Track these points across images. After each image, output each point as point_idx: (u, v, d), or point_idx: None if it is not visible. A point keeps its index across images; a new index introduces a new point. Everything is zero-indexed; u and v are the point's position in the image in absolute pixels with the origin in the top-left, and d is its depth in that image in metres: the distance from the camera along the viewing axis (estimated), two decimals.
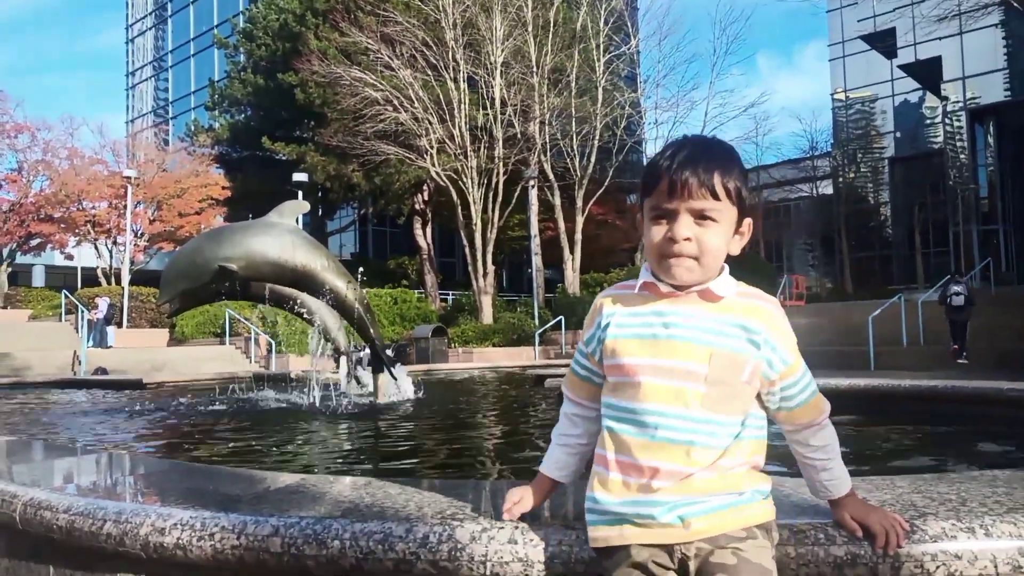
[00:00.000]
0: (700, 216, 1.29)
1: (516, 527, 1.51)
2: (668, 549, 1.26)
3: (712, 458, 1.28)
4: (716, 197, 1.29)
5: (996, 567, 1.38)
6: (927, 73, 36.75)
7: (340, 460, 4.44)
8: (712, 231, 1.29)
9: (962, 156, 36.53)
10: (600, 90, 29.48)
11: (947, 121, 37.24)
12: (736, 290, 1.33)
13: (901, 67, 39.00)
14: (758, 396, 1.35)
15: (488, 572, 1.48)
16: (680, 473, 1.27)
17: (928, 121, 42.18)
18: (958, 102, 36.13)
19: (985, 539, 1.40)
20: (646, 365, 1.30)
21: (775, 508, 1.35)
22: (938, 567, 1.39)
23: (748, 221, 1.35)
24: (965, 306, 14.32)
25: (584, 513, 1.38)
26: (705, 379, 1.27)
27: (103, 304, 22.92)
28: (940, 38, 34.18)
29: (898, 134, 43.10)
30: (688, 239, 1.28)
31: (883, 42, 39.85)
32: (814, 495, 1.49)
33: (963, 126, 36.22)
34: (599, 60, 29.54)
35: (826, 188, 45.33)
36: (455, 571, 1.49)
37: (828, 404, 1.43)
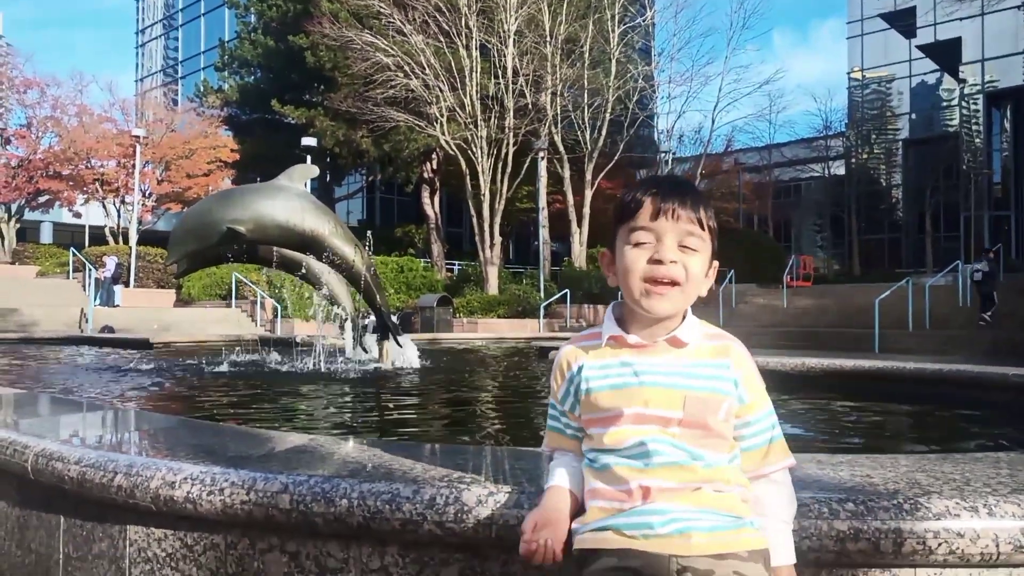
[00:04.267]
0: (683, 243, 1.29)
1: (522, 491, 1.53)
2: (664, 561, 1.20)
3: (708, 475, 1.25)
4: (701, 225, 1.29)
5: (998, 546, 1.40)
6: (946, 54, 36.26)
7: (345, 424, 4.48)
8: (694, 259, 1.29)
9: (977, 140, 36.17)
10: (614, 62, 29.16)
11: (964, 104, 36.83)
12: (702, 331, 1.33)
13: (920, 47, 38.49)
14: None
15: (493, 535, 1.49)
16: (677, 488, 1.24)
17: (944, 103, 41.72)
18: (976, 85, 35.70)
19: (988, 518, 1.41)
20: (624, 414, 1.28)
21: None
22: (940, 544, 1.40)
23: (715, 264, 1.35)
24: (985, 280, 16.38)
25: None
26: (679, 423, 1.26)
27: (111, 263, 22.99)
28: (960, 19, 33.69)
29: (913, 116, 42.67)
30: (675, 262, 1.28)
31: (903, 21, 39.27)
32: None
33: (980, 110, 35.84)
34: (614, 31, 29.17)
35: (838, 168, 45.00)
36: (461, 533, 1.51)
37: (789, 460, 1.36)
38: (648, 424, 1.27)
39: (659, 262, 1.27)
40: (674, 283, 1.28)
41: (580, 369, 1.35)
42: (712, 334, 1.34)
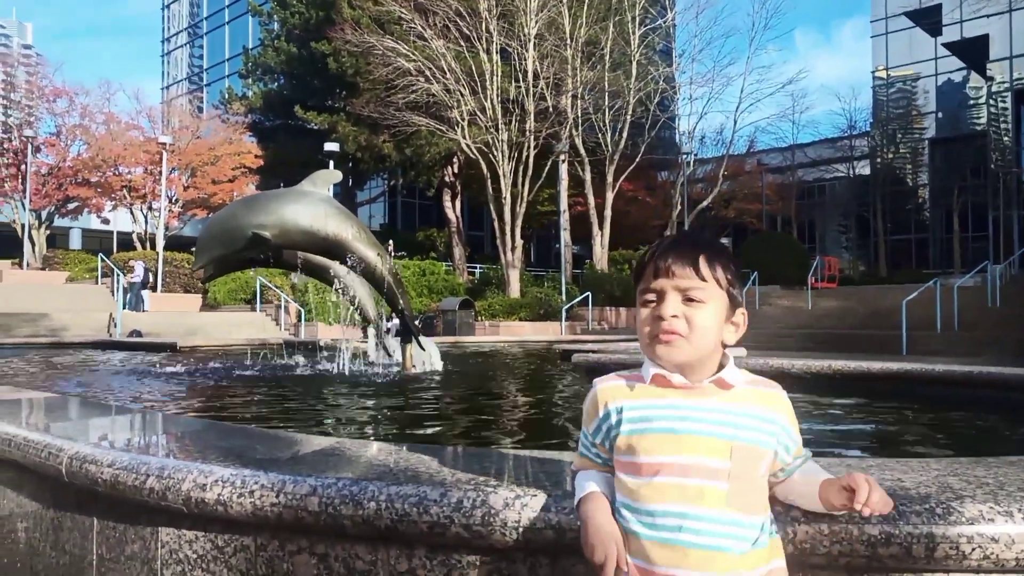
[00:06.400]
0: (687, 296, 1.31)
1: (549, 495, 1.53)
2: None
3: (744, 562, 1.23)
4: (701, 277, 1.30)
5: None
6: (973, 52, 35.77)
7: (370, 426, 4.51)
8: (700, 310, 1.30)
9: (1006, 139, 35.61)
10: (634, 64, 29.10)
11: (991, 102, 36.26)
12: (744, 379, 1.33)
13: (946, 45, 38.00)
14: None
15: (521, 538, 1.50)
16: None
17: (972, 102, 41.12)
18: (1004, 83, 35.15)
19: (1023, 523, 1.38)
20: (665, 464, 1.26)
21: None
22: (974, 549, 1.38)
23: (742, 312, 1.36)
24: None
25: None
26: (728, 475, 1.24)
27: (139, 268, 23.32)
28: (988, 16, 33.22)
29: (940, 115, 42.10)
30: (676, 316, 1.30)
31: (928, 19, 38.80)
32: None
33: (1008, 107, 35.28)
34: (634, 33, 29.12)
35: (863, 168, 44.47)
36: (488, 536, 1.51)
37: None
38: (692, 478, 1.24)
39: (661, 318, 1.31)
40: (680, 334, 1.30)
41: (620, 410, 1.33)
42: (753, 380, 1.34)
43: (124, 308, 20.38)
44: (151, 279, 24.49)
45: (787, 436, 1.31)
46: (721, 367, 1.33)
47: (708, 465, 1.24)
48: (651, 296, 1.33)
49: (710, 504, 1.23)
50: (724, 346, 1.35)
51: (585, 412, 1.40)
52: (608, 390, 1.37)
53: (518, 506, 1.51)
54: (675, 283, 1.31)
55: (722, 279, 1.32)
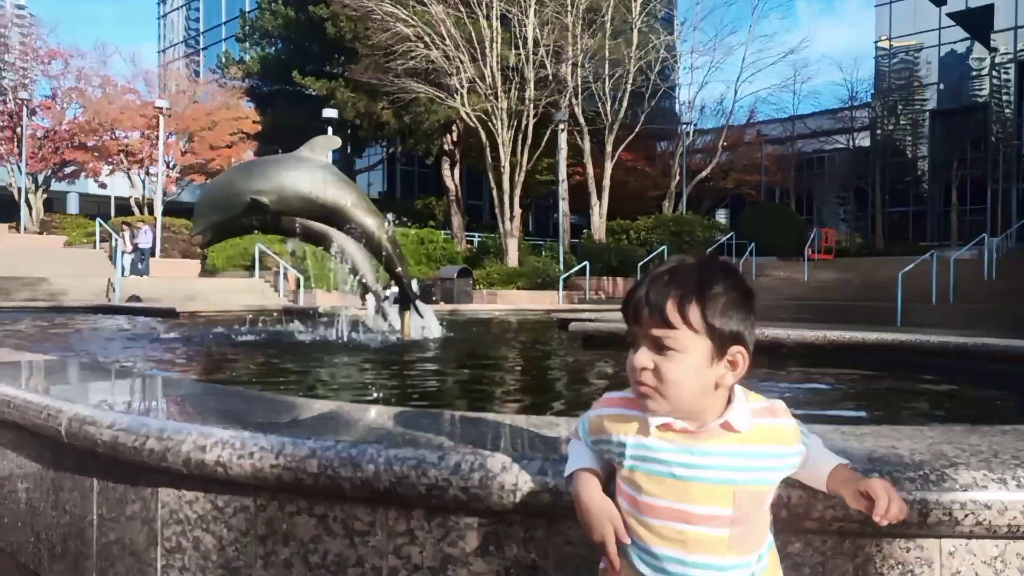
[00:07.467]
0: (658, 344, 1.19)
1: (546, 459, 1.54)
2: None
3: None
4: (669, 326, 1.18)
5: None
6: (977, 22, 35.38)
7: (369, 392, 4.53)
8: (672, 362, 1.18)
9: (1007, 111, 35.39)
10: (635, 32, 28.75)
11: (994, 73, 35.96)
12: (751, 415, 1.23)
13: (950, 15, 37.58)
14: None
15: (518, 501, 1.51)
16: None
17: (974, 73, 40.76)
18: (1007, 54, 34.84)
19: (1017, 490, 1.40)
20: (663, 508, 1.21)
21: None
22: (967, 515, 1.40)
23: (739, 350, 1.20)
24: None
25: None
26: (731, 521, 1.20)
27: (149, 233, 23.28)
28: None
29: (941, 86, 41.73)
30: (645, 368, 1.20)
31: None
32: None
33: (1011, 79, 35.02)
34: (635, 0, 28.73)
35: (863, 140, 44.18)
36: (486, 498, 1.53)
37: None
38: (693, 525, 1.20)
39: (633, 368, 1.22)
40: (651, 387, 1.21)
41: (623, 444, 1.26)
42: (761, 410, 1.25)
43: (130, 273, 20.35)
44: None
45: (797, 459, 1.27)
46: (730, 401, 1.23)
47: (711, 513, 1.20)
48: (630, 339, 1.25)
49: (711, 552, 1.20)
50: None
51: (589, 422, 1.35)
52: (613, 421, 1.29)
53: (515, 470, 1.52)
54: (644, 331, 1.20)
55: (697, 321, 1.17)
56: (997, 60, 35.31)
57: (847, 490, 1.29)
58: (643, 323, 1.20)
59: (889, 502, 1.23)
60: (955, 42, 40.64)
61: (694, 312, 1.17)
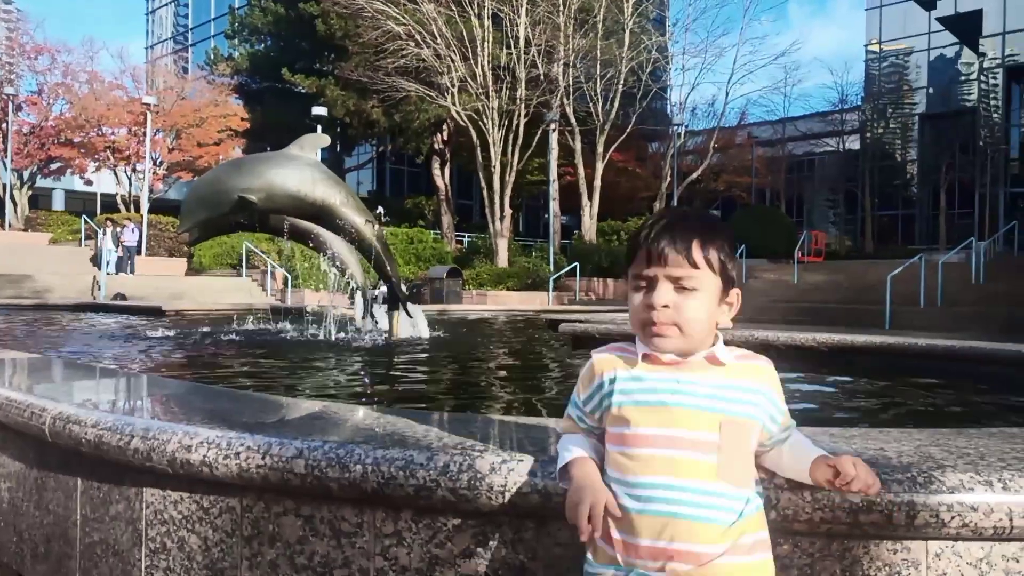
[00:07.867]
0: (678, 284, 1.27)
1: (536, 460, 1.54)
2: None
3: (730, 532, 1.23)
4: (694, 265, 1.27)
5: (1011, 520, 1.39)
6: (966, 27, 35.65)
7: (356, 392, 4.51)
8: (692, 300, 1.27)
9: (995, 115, 35.67)
10: (627, 32, 28.81)
11: (983, 78, 36.25)
12: (733, 355, 1.32)
13: (939, 19, 37.85)
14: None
15: (507, 502, 1.50)
16: (694, 555, 1.22)
17: (963, 77, 41.05)
18: (996, 59, 35.12)
19: (1003, 493, 1.40)
20: (655, 436, 1.26)
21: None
22: (953, 518, 1.40)
23: (736, 292, 1.33)
24: None
25: None
26: (718, 448, 1.24)
27: (135, 232, 23.09)
28: None
29: (931, 90, 42.02)
30: (666, 306, 1.27)
31: None
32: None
33: (999, 84, 35.29)
34: (627, 1, 28.79)
35: (853, 143, 44.44)
36: (474, 500, 1.52)
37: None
38: (681, 449, 1.24)
39: (651, 307, 1.28)
40: (672, 325, 1.27)
41: (613, 380, 1.32)
42: (742, 355, 1.33)
43: (116, 271, 20.21)
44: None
45: (773, 407, 1.31)
46: (713, 342, 1.32)
47: (698, 438, 1.24)
48: (643, 281, 1.30)
49: (699, 476, 1.23)
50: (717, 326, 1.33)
51: (580, 380, 1.40)
52: (604, 361, 1.36)
53: (504, 470, 1.51)
54: (667, 271, 1.27)
55: (715, 262, 1.28)
56: (985, 65, 35.60)
57: (819, 470, 1.32)
58: (667, 263, 1.27)
59: (856, 469, 1.28)
60: (944, 47, 40.94)
61: (713, 253, 1.28)
